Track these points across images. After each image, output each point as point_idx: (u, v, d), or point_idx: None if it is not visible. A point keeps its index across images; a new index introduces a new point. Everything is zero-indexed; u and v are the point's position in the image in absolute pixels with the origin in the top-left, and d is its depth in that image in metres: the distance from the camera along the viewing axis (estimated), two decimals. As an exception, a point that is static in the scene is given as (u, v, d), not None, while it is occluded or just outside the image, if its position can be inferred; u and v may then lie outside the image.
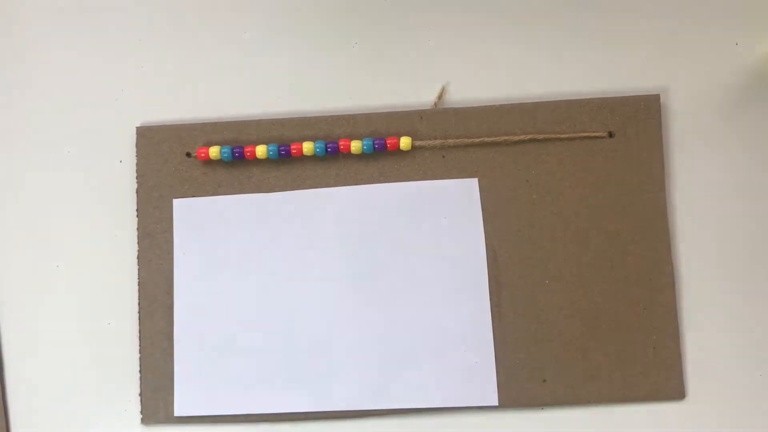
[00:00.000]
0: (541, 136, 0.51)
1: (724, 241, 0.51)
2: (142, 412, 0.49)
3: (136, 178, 0.51)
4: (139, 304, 0.50)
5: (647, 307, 0.50)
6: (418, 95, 0.52)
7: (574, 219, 0.50)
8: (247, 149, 0.50)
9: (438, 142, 0.51)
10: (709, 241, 0.51)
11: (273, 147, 0.50)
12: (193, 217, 0.50)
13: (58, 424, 0.50)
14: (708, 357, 0.50)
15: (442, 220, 0.50)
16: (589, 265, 0.50)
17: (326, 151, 0.50)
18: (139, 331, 0.50)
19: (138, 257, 0.50)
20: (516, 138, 0.51)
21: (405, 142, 0.50)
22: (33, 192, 0.52)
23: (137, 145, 0.51)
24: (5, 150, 0.52)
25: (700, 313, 0.51)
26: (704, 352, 0.50)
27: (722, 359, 0.50)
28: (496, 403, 0.49)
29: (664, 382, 0.49)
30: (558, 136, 0.51)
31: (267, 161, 0.51)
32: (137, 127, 0.51)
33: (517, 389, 0.49)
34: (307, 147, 0.50)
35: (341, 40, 0.53)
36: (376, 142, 0.50)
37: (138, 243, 0.50)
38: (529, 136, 0.51)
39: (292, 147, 0.50)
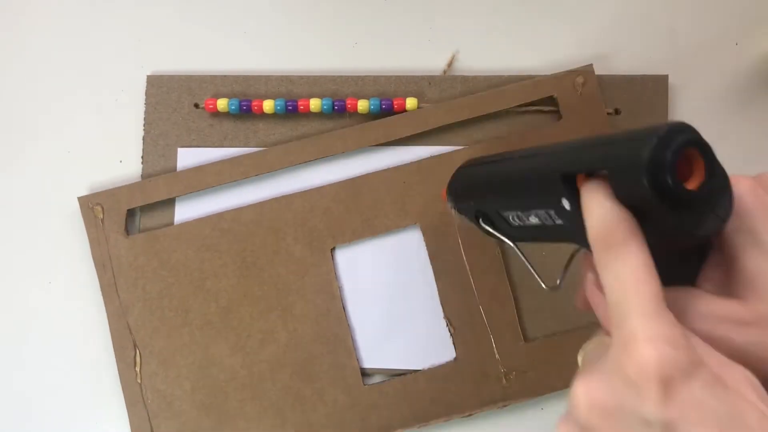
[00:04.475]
0: (546, 108, 0.50)
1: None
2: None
3: (144, 125, 0.51)
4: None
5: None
6: (429, 62, 0.52)
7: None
8: (255, 103, 0.50)
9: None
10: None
11: (280, 102, 0.50)
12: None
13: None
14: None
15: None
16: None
17: (333, 108, 0.50)
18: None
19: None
20: (523, 108, 0.50)
21: (411, 104, 0.50)
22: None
23: (147, 94, 0.51)
24: (12, 101, 0.52)
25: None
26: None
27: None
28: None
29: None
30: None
31: (273, 117, 0.50)
32: (148, 76, 0.51)
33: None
34: (314, 104, 0.50)
35: (356, 4, 0.52)
36: (383, 102, 0.50)
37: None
38: (535, 108, 0.50)
39: (300, 103, 0.50)
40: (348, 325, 0.48)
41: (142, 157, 0.51)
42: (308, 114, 0.50)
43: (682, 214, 0.26)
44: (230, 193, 0.50)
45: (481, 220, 0.37)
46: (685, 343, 0.24)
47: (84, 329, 0.50)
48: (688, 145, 0.26)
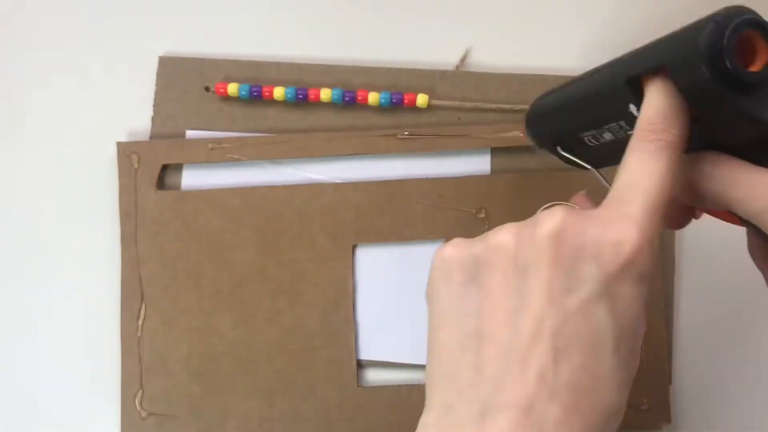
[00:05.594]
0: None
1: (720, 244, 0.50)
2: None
3: (153, 106, 0.51)
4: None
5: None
6: (442, 57, 0.52)
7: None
8: (266, 89, 0.50)
9: (455, 103, 0.50)
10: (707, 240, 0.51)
11: (291, 90, 0.50)
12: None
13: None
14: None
15: None
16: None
17: (343, 99, 0.50)
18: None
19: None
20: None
21: (422, 100, 0.50)
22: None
23: (158, 74, 0.51)
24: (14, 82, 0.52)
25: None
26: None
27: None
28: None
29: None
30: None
31: (283, 104, 0.50)
32: (159, 57, 0.51)
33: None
34: (325, 93, 0.50)
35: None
36: (393, 96, 0.50)
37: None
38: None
39: (310, 92, 0.50)
40: (353, 324, 0.48)
41: (150, 137, 0.50)
42: (318, 103, 0.50)
43: (746, 99, 0.26)
44: (263, 170, 0.50)
45: (559, 148, 0.37)
46: (654, 255, 0.27)
47: (96, 273, 0.50)
48: (746, 26, 0.26)
